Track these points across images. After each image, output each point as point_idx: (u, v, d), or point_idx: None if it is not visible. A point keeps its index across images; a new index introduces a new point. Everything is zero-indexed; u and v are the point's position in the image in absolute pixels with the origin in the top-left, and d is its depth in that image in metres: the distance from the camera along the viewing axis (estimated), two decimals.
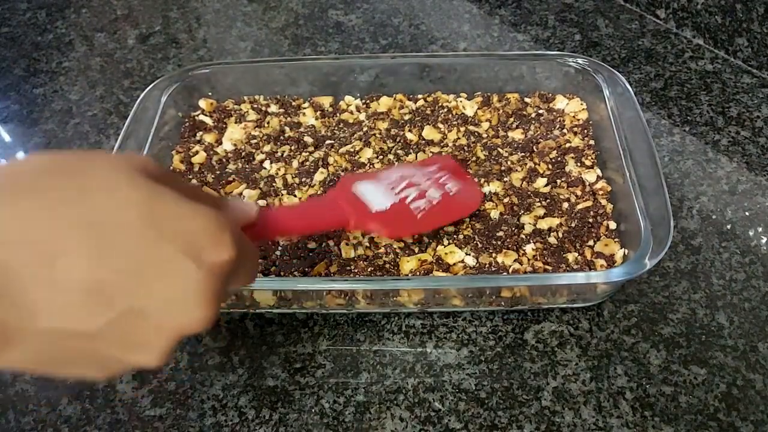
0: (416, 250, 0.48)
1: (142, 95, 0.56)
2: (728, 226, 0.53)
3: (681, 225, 0.53)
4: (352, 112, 0.61)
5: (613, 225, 0.49)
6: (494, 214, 0.51)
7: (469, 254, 0.48)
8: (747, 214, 0.54)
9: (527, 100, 0.61)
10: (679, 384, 0.44)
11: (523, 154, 0.55)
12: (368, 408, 0.44)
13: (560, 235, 0.49)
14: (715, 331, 0.46)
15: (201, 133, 0.60)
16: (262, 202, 0.53)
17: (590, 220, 0.50)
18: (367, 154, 0.56)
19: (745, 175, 0.57)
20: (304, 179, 0.55)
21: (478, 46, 0.74)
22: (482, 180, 0.53)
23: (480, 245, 0.48)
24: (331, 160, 0.56)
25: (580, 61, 0.58)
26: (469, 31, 0.76)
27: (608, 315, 0.48)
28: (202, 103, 0.61)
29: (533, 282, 0.45)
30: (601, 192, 0.52)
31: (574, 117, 0.59)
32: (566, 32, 0.75)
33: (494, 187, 0.53)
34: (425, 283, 0.46)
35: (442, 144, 0.57)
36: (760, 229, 0.53)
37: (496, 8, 0.80)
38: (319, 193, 0.53)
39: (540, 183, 0.53)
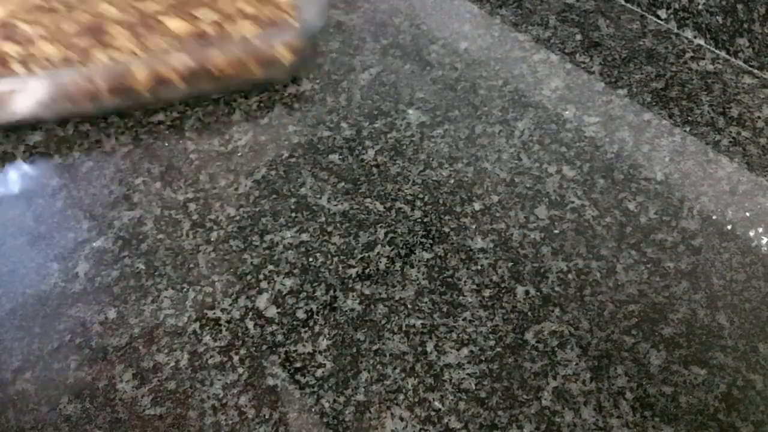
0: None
1: None
2: (729, 227, 0.53)
3: (681, 225, 0.53)
4: None
5: None
6: None
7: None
8: (748, 214, 0.54)
9: None
10: (679, 384, 0.44)
11: None
12: (368, 407, 0.44)
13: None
14: (716, 332, 0.46)
15: None
16: None
17: None
18: None
19: (746, 175, 0.57)
20: None
21: (479, 46, 0.74)
22: None
23: None
24: None
25: None
26: (470, 30, 0.76)
27: (609, 315, 0.48)
28: None
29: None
30: None
31: None
32: (567, 32, 0.75)
33: None
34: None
35: None
36: (760, 230, 0.53)
37: (497, 8, 0.80)
38: None
39: None
